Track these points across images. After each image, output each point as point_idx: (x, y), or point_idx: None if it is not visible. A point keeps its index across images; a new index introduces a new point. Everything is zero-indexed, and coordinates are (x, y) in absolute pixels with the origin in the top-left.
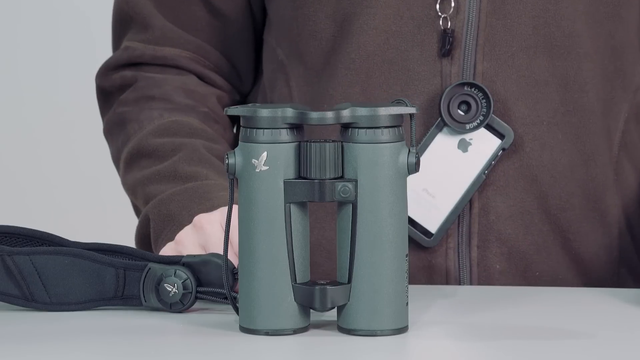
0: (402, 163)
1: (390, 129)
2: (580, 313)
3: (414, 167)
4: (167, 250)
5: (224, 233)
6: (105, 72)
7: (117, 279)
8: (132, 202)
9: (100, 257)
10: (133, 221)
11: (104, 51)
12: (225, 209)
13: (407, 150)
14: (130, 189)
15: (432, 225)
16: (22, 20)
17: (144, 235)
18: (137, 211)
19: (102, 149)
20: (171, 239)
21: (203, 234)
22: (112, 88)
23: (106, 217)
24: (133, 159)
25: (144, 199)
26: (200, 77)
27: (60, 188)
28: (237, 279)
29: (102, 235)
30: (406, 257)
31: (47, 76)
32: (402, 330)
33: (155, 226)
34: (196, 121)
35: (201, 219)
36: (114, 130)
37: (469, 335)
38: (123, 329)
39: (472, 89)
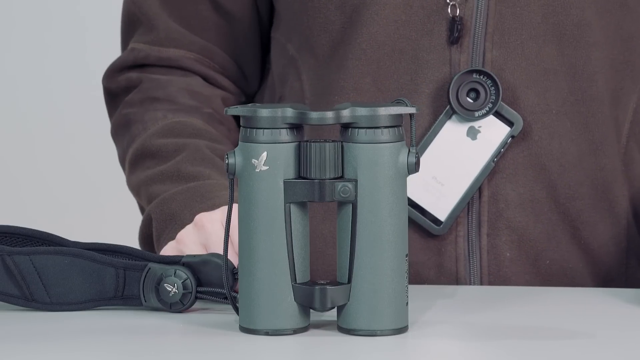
0: (402, 163)
1: (390, 129)
2: (580, 313)
3: (414, 167)
4: (168, 249)
5: (223, 233)
6: (112, 74)
7: (117, 279)
8: (137, 202)
9: (100, 257)
10: (132, 221)
11: (101, 51)
12: (226, 208)
13: (407, 150)
14: (135, 189)
15: (442, 213)
16: (18, 19)
17: (146, 234)
18: (143, 211)
19: (100, 149)
20: (172, 238)
21: (204, 233)
22: (118, 90)
23: (105, 217)
24: (137, 159)
25: (148, 199)
26: (205, 78)
27: (58, 188)
28: (237, 279)
29: (101, 235)
30: (406, 257)
31: (44, 76)
32: (402, 330)
33: (157, 225)
34: (200, 122)
35: (202, 217)
36: (119, 131)
37: (469, 335)
38: (123, 329)
39: (481, 77)
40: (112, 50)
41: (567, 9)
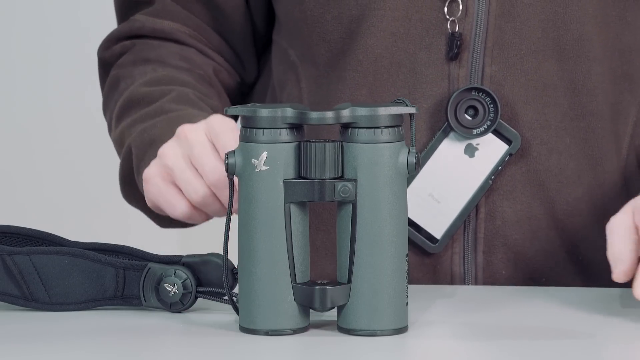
0: (402, 163)
1: (390, 129)
2: (580, 313)
3: (414, 167)
4: (152, 167)
5: (208, 142)
6: (107, 45)
7: (117, 278)
8: (119, 157)
9: (100, 257)
10: (130, 221)
11: (96, 48)
12: (211, 120)
13: (407, 150)
14: (118, 139)
15: (438, 231)
16: (18, 20)
17: (127, 171)
18: (124, 166)
19: (96, 148)
20: (154, 157)
21: (186, 143)
22: (112, 58)
23: (104, 217)
24: (123, 110)
25: (130, 139)
26: (200, 52)
27: (53, 187)
28: (237, 278)
29: (100, 235)
30: (406, 257)
31: (38, 74)
32: (402, 330)
33: (137, 152)
34: (190, 78)
35: (184, 128)
36: (109, 94)
37: (469, 335)
38: (123, 329)
39: (480, 94)
40: None
41: (567, 24)
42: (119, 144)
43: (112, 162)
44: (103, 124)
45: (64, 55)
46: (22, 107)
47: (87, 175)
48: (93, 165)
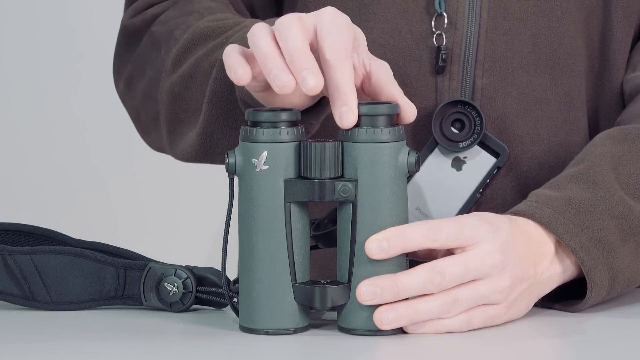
0: (402, 162)
1: (390, 129)
2: (580, 313)
3: (414, 167)
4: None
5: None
6: (134, 14)
7: (117, 278)
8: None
9: (101, 257)
10: (125, 226)
11: (87, 46)
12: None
13: (407, 150)
14: (190, 71)
15: None
16: (10, 20)
17: (222, 86)
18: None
19: (88, 147)
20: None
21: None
22: (142, 23)
23: (99, 218)
24: (190, 47)
25: (210, 65)
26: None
27: (48, 187)
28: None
29: (97, 237)
30: (406, 256)
31: (33, 72)
32: (402, 330)
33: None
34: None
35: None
36: (150, 51)
37: (469, 335)
38: (123, 329)
39: (466, 107)
40: (102, 56)
41: (560, 38)
42: (188, 77)
43: (111, 162)
44: (100, 123)
45: (56, 55)
46: (17, 106)
47: (84, 176)
48: (91, 165)
